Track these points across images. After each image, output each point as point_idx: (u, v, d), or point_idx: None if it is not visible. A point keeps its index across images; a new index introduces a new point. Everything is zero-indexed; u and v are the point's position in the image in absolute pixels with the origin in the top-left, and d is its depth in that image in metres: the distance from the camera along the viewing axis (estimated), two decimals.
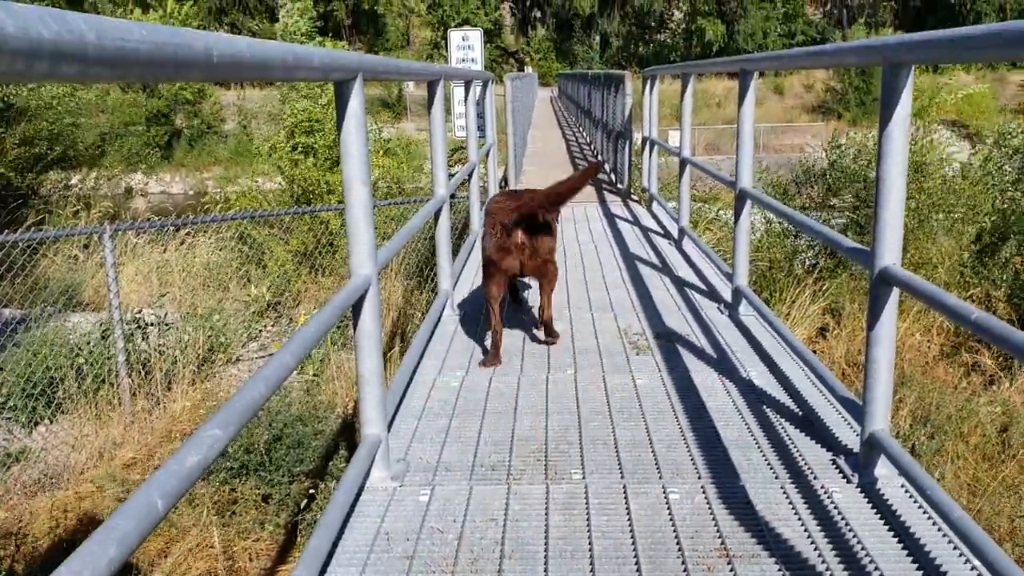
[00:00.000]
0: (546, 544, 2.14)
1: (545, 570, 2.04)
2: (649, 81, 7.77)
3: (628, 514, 2.27)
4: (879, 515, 2.21)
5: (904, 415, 5.47)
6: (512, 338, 3.86)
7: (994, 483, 4.84)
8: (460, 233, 8.25)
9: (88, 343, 6.21)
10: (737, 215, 4.07)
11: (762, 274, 8.12)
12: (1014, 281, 7.85)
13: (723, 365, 3.44)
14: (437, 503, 2.36)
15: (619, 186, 8.93)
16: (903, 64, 2.10)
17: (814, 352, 5.66)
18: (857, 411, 2.54)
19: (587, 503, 2.34)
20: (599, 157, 12.07)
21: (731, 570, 2.01)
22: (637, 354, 3.63)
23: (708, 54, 45.99)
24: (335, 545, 2.10)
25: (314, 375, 6.32)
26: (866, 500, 2.30)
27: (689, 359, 3.53)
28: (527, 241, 3.49)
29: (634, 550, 2.10)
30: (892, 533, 2.13)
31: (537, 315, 3.94)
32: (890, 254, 2.22)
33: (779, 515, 2.24)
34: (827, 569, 1.99)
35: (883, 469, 2.34)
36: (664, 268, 5.32)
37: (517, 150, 10.04)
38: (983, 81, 36.36)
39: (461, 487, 2.45)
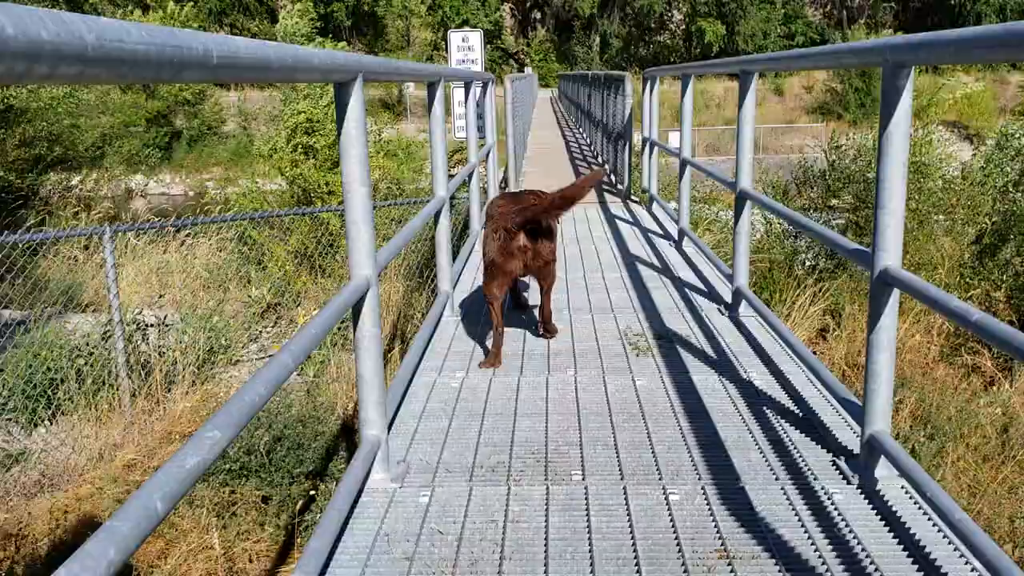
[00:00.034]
0: (546, 545, 2.14)
1: (545, 571, 2.03)
2: (649, 82, 7.78)
3: (628, 515, 2.27)
4: (879, 516, 2.21)
5: (904, 416, 5.47)
6: (512, 339, 3.86)
7: (994, 484, 4.84)
8: (460, 234, 8.25)
9: (88, 344, 6.20)
10: (737, 216, 4.07)
11: (762, 275, 8.12)
12: (1014, 282, 7.85)
13: (723, 366, 3.44)
14: (437, 504, 2.36)
15: (619, 187, 8.93)
16: (903, 65, 2.10)
17: (814, 353, 5.66)
18: (857, 412, 2.54)
19: (587, 504, 2.34)
20: (599, 158, 12.07)
21: (731, 571, 2.00)
22: (637, 355, 3.63)
23: (708, 55, 46.00)
24: (335, 546, 2.10)
25: (314, 376, 6.32)
26: (866, 501, 2.29)
27: (689, 360, 3.53)
28: (529, 244, 3.52)
29: (634, 551, 2.10)
30: (892, 534, 2.13)
31: (536, 316, 3.97)
32: (890, 255, 2.22)
33: (779, 516, 2.24)
34: (827, 570, 1.99)
35: (883, 470, 2.34)
36: (664, 269, 5.32)
37: (517, 151, 10.04)
38: (982, 82, 36.39)
39: (461, 488, 2.45)
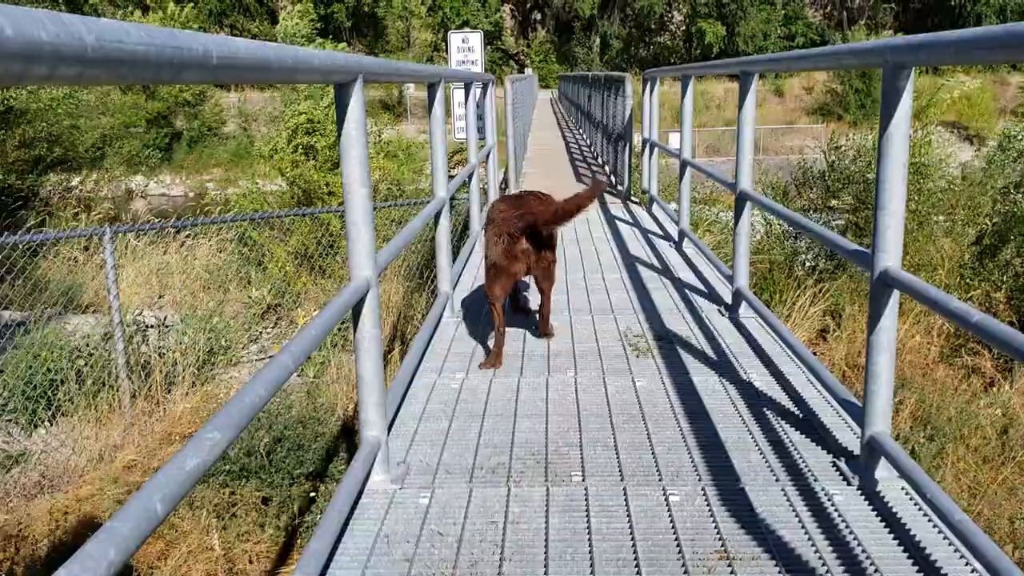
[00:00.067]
0: (546, 546, 2.14)
1: (545, 572, 2.03)
2: (649, 83, 7.78)
3: (628, 516, 2.27)
4: (879, 517, 2.21)
5: (904, 417, 5.47)
6: (512, 340, 3.86)
7: (994, 485, 4.84)
8: (460, 235, 8.25)
9: (88, 345, 6.20)
10: (737, 217, 4.07)
11: (762, 276, 8.12)
12: (1015, 283, 7.85)
13: (723, 367, 3.44)
14: (437, 506, 2.36)
15: (619, 188, 8.93)
16: (903, 66, 2.10)
17: (814, 354, 5.66)
18: (857, 413, 2.54)
19: (587, 505, 2.34)
20: (599, 159, 12.07)
21: (731, 572, 2.00)
22: (637, 356, 3.63)
23: (708, 56, 46.01)
24: (335, 548, 2.09)
25: (314, 377, 6.31)
26: (866, 502, 2.29)
27: (689, 361, 3.53)
28: (532, 249, 3.58)
29: (634, 552, 2.10)
30: (892, 535, 2.13)
31: (536, 317, 3.99)
32: (890, 256, 2.22)
33: (779, 517, 2.24)
34: (827, 572, 1.99)
35: (883, 471, 2.34)
36: (664, 270, 5.32)
37: (517, 152, 10.04)
38: (978, 79, 36.36)
39: (461, 490, 2.45)
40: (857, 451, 2.49)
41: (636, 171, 9.14)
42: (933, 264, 8.29)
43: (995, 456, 5.18)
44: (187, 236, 9.88)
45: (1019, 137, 9.99)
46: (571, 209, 3.50)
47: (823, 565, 2.01)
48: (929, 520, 2.17)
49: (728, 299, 4.29)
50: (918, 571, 1.98)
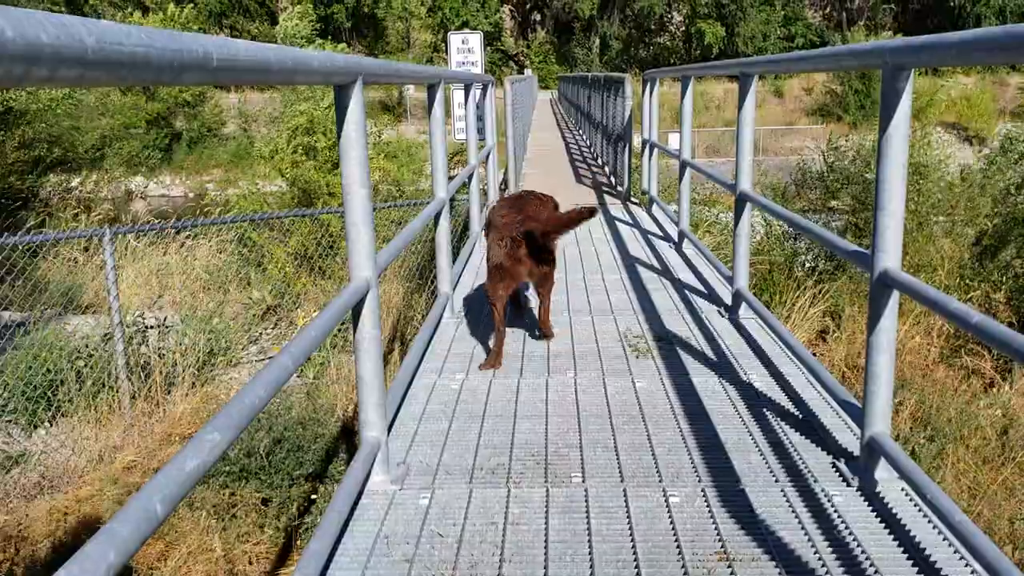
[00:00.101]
0: (546, 548, 2.14)
1: (545, 574, 2.03)
2: (649, 84, 7.78)
3: (628, 518, 2.27)
4: (879, 518, 2.21)
5: (904, 418, 5.47)
6: (512, 341, 3.86)
7: (994, 486, 4.84)
8: (460, 236, 8.25)
9: (87, 346, 6.20)
10: (737, 218, 4.07)
11: (762, 277, 8.12)
12: (1014, 284, 7.85)
13: (723, 368, 3.44)
14: (437, 506, 2.36)
15: (619, 189, 8.93)
16: (903, 67, 2.10)
17: (814, 355, 5.66)
18: (857, 414, 2.54)
19: (587, 507, 2.34)
20: (599, 160, 12.07)
21: (731, 573, 2.00)
22: (637, 357, 3.63)
23: (708, 57, 45.99)
24: (335, 548, 2.09)
25: (314, 378, 6.32)
26: (866, 503, 2.29)
27: (689, 362, 3.53)
28: (532, 253, 3.63)
29: (634, 554, 2.10)
30: (892, 536, 2.13)
31: (536, 318, 4.00)
32: (890, 257, 2.22)
33: (779, 518, 2.24)
34: (827, 573, 1.99)
35: (883, 472, 2.34)
36: (664, 271, 5.32)
37: (517, 153, 10.04)
38: (981, 83, 36.41)
39: (461, 490, 2.45)
40: (857, 452, 2.49)
41: (636, 172, 9.14)
42: (933, 265, 8.29)
43: (995, 457, 5.18)
44: (187, 237, 9.88)
45: (1022, 139, 9.97)
46: (567, 222, 3.64)
47: (823, 566, 2.01)
48: (929, 521, 2.17)
49: (728, 300, 4.29)
50: (918, 572, 1.98)
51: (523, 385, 3.32)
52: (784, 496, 2.35)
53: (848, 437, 2.70)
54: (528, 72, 41.97)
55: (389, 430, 2.56)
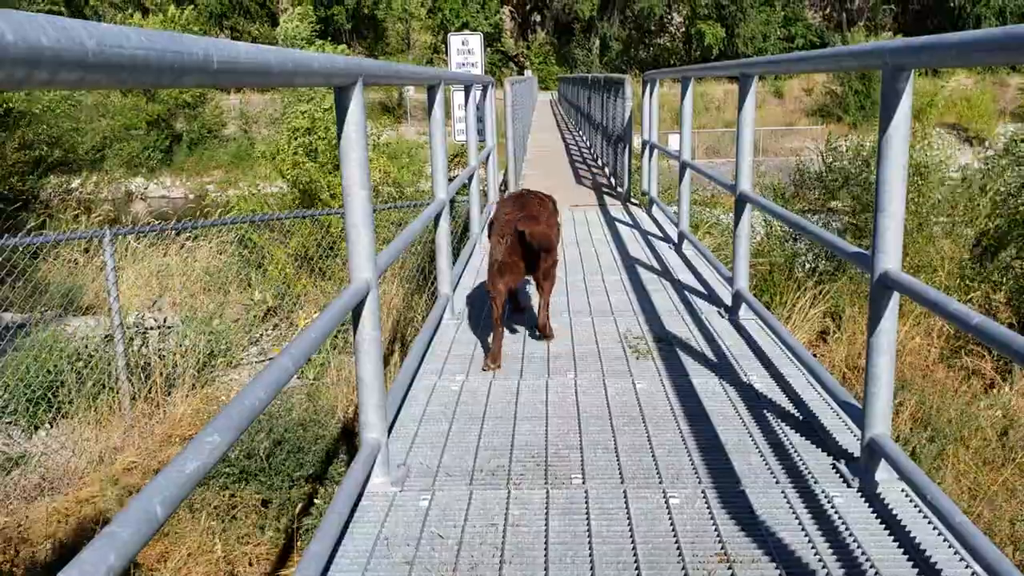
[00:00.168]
0: (546, 549, 2.14)
1: (545, 575, 2.03)
2: (649, 85, 7.78)
3: (628, 519, 2.27)
4: (880, 519, 2.21)
5: (904, 419, 5.46)
6: (512, 342, 3.87)
7: (994, 487, 4.84)
8: (460, 237, 8.25)
9: (88, 347, 6.20)
10: (737, 219, 4.07)
11: (762, 278, 8.12)
12: (1015, 284, 7.85)
13: (723, 369, 3.44)
14: (437, 508, 2.36)
15: (619, 190, 8.93)
16: (903, 68, 2.10)
17: (814, 356, 5.66)
18: (857, 415, 2.54)
19: (587, 508, 2.34)
20: (599, 161, 12.07)
21: (732, 575, 2.00)
22: (637, 358, 3.63)
23: (708, 58, 46.00)
24: (335, 550, 2.09)
25: (314, 379, 6.31)
26: (867, 504, 2.29)
27: (689, 363, 3.53)
28: (533, 250, 3.65)
29: (634, 555, 2.10)
30: (893, 537, 2.13)
31: (536, 318, 4.00)
32: (890, 258, 2.22)
33: (780, 520, 2.24)
34: (828, 574, 1.99)
35: (884, 473, 2.34)
36: (664, 272, 5.32)
37: (517, 154, 10.05)
38: (981, 84, 36.42)
39: (461, 492, 2.45)
40: (857, 453, 2.49)
41: (636, 173, 9.15)
42: (933, 266, 8.29)
43: (995, 458, 5.18)
44: (187, 238, 9.88)
45: None
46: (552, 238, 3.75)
47: (823, 567, 2.01)
48: (929, 522, 2.17)
49: (728, 301, 4.29)
50: (918, 573, 1.98)
51: (523, 386, 3.32)
52: (784, 497, 2.35)
53: (848, 438, 2.70)
54: (528, 73, 41.99)
55: (389, 432, 2.56)
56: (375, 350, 2.33)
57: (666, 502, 2.35)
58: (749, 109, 3.89)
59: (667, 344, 3.80)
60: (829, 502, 2.32)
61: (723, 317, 4.20)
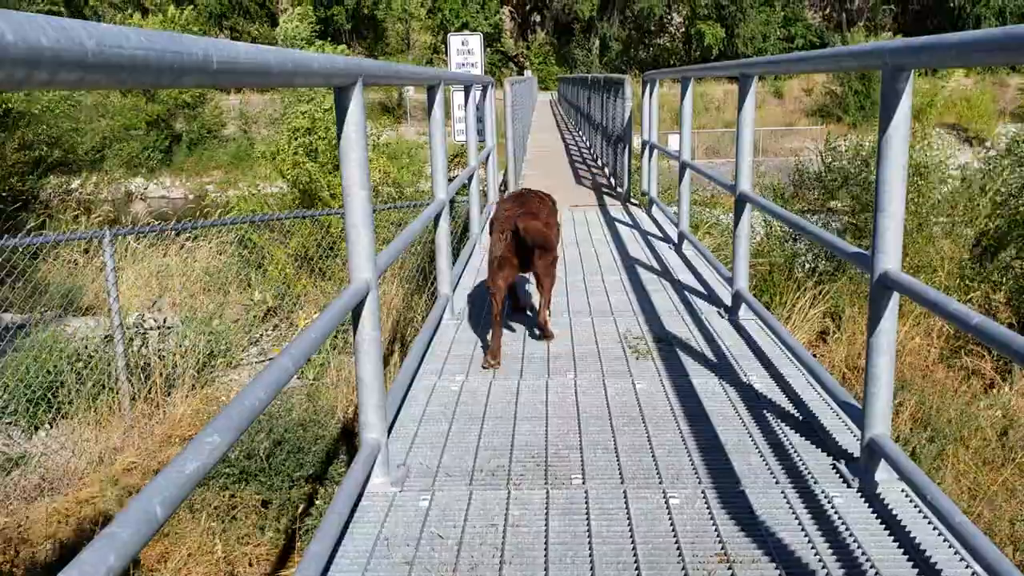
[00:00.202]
0: (546, 549, 2.14)
1: (545, 575, 2.03)
2: (649, 85, 7.78)
3: (628, 519, 2.27)
4: (880, 520, 2.21)
5: (904, 419, 5.46)
6: (512, 342, 3.87)
7: (994, 487, 4.84)
8: (460, 237, 8.25)
9: (87, 348, 6.20)
10: (737, 219, 4.07)
11: (762, 278, 8.12)
12: (1015, 284, 7.84)
13: (723, 369, 3.44)
14: (437, 508, 2.36)
15: (619, 190, 8.93)
16: (903, 68, 2.10)
17: (814, 356, 5.65)
18: (857, 415, 2.54)
19: (587, 508, 2.33)
20: (599, 161, 12.08)
21: (732, 575, 2.00)
22: (637, 358, 3.63)
23: (708, 58, 46.01)
24: (335, 550, 2.09)
25: (314, 379, 6.31)
26: (867, 505, 2.29)
27: (689, 363, 3.53)
28: (531, 246, 3.67)
29: (634, 555, 2.10)
30: (893, 538, 2.13)
31: (536, 318, 4.01)
32: (890, 258, 2.22)
33: (779, 520, 2.24)
34: (828, 574, 1.99)
35: (884, 473, 2.34)
36: (664, 272, 5.32)
37: (517, 154, 10.05)
38: (981, 84, 36.43)
39: (461, 492, 2.45)
40: (857, 453, 2.49)
41: (636, 173, 9.15)
42: (932, 266, 8.29)
43: (995, 458, 5.18)
44: (187, 239, 9.88)
45: None
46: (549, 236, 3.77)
47: (823, 567, 2.01)
48: (929, 522, 2.17)
49: (728, 301, 4.29)
50: (918, 573, 1.98)
51: (523, 386, 3.32)
52: (784, 497, 2.35)
53: (848, 438, 2.70)
54: (528, 73, 42.00)
55: (389, 432, 2.56)
56: (375, 350, 2.33)
57: (666, 502, 2.35)
58: (749, 109, 3.89)
59: (667, 344, 3.80)
60: (829, 502, 2.32)
61: (723, 317, 4.20)
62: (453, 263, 4.49)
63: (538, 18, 54.54)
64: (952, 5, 45.81)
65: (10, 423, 5.68)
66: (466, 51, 14.71)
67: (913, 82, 2.15)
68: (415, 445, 2.79)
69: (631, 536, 2.19)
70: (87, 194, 16.93)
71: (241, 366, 7.03)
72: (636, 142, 8.86)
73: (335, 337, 6.76)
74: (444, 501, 2.40)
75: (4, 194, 14.32)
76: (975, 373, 6.63)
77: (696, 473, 2.53)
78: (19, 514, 4.69)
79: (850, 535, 2.14)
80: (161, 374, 6.04)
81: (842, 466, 2.50)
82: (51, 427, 5.71)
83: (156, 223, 10.07)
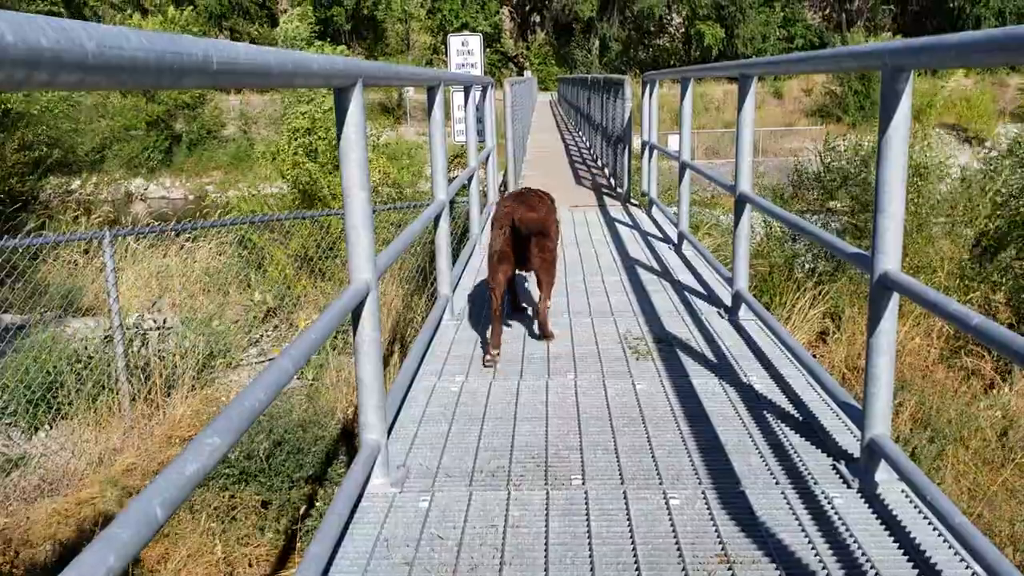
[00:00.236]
0: (546, 550, 2.14)
1: None
2: (648, 85, 7.78)
3: (628, 520, 2.27)
4: (880, 520, 2.21)
5: (904, 419, 5.46)
6: (512, 343, 3.86)
7: (994, 487, 4.84)
8: (460, 238, 8.25)
9: (87, 348, 6.20)
10: (737, 219, 4.07)
11: (762, 278, 8.12)
12: (1015, 284, 7.85)
13: (723, 370, 3.44)
14: (437, 509, 2.36)
15: (619, 191, 8.93)
16: (903, 69, 2.10)
17: (814, 356, 5.65)
18: (857, 416, 2.54)
19: (587, 509, 2.33)
20: (599, 161, 12.08)
21: None
22: (637, 359, 3.63)
23: (707, 58, 46.02)
24: (335, 551, 2.09)
25: (313, 380, 6.31)
26: (867, 505, 2.29)
27: (689, 364, 3.53)
28: (531, 240, 3.72)
29: (634, 556, 2.10)
30: (892, 538, 2.13)
31: (535, 318, 4.01)
32: (890, 259, 2.22)
33: (780, 520, 2.24)
34: (827, 574, 1.99)
35: (884, 474, 2.34)
36: (664, 273, 5.32)
37: (516, 155, 10.05)
38: (981, 84, 36.43)
39: (461, 493, 2.45)
40: (857, 454, 2.49)
41: (635, 174, 9.15)
42: (932, 266, 8.29)
43: (995, 458, 5.18)
44: (187, 239, 9.88)
45: None
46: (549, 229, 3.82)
47: (823, 568, 2.01)
48: (929, 523, 2.17)
49: (728, 301, 4.29)
50: (918, 574, 1.98)
51: (523, 387, 3.32)
52: (784, 498, 2.35)
53: (848, 439, 2.70)
54: (528, 74, 41.99)
55: (389, 432, 2.56)
56: (375, 351, 2.33)
57: (666, 503, 2.35)
58: (748, 110, 3.89)
59: (667, 345, 3.80)
60: (829, 503, 2.32)
61: (723, 318, 4.20)
62: (453, 264, 4.49)
63: (538, 18, 54.55)
64: (951, 5, 45.82)
65: (10, 424, 5.68)
66: (466, 52, 14.70)
67: (913, 82, 2.15)
68: (415, 446, 2.79)
69: (631, 537, 2.19)
70: (87, 195, 16.94)
71: (241, 367, 7.03)
72: (636, 142, 8.87)
73: (335, 338, 6.76)
74: (444, 502, 2.40)
75: (4, 195, 14.32)
76: (975, 373, 6.64)
77: (696, 474, 2.53)
78: (19, 515, 4.69)
79: (850, 536, 2.14)
80: (161, 375, 6.04)
81: (842, 466, 2.50)
82: (51, 428, 5.71)
83: (156, 224, 10.07)
